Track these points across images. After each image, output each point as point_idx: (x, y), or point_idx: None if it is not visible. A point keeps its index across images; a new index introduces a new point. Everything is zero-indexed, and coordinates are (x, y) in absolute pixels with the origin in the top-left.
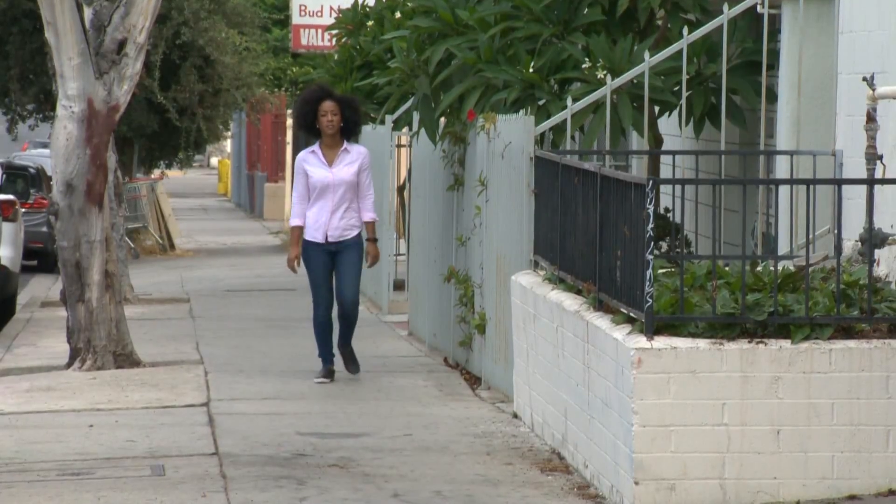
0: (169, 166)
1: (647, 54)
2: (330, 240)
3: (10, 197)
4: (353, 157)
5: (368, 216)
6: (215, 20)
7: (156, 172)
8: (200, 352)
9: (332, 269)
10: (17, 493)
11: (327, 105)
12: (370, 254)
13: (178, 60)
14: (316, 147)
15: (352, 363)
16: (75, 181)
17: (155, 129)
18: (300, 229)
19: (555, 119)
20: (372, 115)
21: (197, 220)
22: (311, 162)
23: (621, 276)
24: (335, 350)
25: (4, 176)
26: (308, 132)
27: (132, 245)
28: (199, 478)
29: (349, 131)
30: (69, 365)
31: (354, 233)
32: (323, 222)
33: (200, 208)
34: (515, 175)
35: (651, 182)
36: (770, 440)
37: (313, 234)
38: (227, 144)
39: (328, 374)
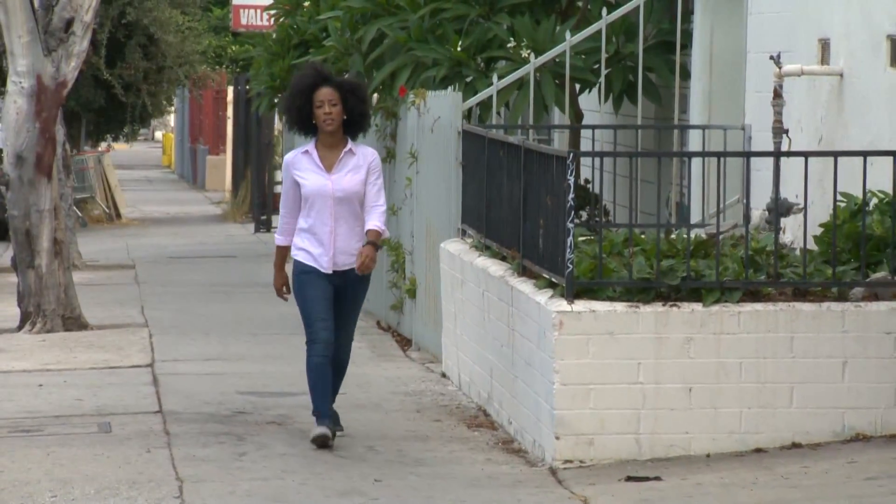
0: (115, 139)
1: (568, 34)
2: (337, 269)
3: None
4: (359, 162)
5: (374, 224)
6: (159, 0)
7: (102, 145)
8: (145, 315)
9: (334, 299)
10: None
11: (324, 93)
12: (364, 253)
13: (123, 39)
14: (311, 146)
15: (333, 420)
16: (25, 153)
17: (102, 104)
18: (286, 250)
19: (481, 95)
20: None
21: (142, 191)
22: (303, 166)
23: (544, 243)
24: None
25: None
26: (304, 130)
27: (80, 214)
28: (144, 434)
29: (355, 127)
30: (20, 328)
31: None
32: (325, 247)
33: (145, 179)
34: (444, 148)
35: (571, 155)
36: (682, 397)
37: (314, 262)
38: (171, 119)
39: (327, 435)
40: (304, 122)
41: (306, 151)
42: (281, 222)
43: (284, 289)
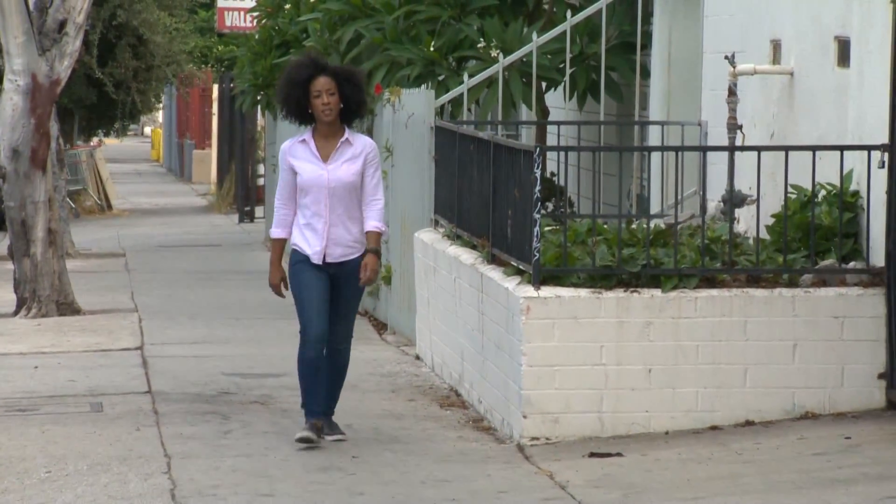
0: (107, 134)
1: (535, 35)
2: (329, 260)
3: None
4: (356, 151)
5: (373, 224)
6: (148, 3)
7: (94, 140)
8: (135, 301)
9: (330, 291)
10: None
11: (321, 82)
12: (368, 266)
13: (114, 39)
14: (307, 135)
15: (331, 426)
16: (21, 148)
17: (93, 101)
18: (283, 243)
19: (453, 93)
20: None
21: (132, 184)
22: (299, 155)
23: (512, 232)
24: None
25: None
26: (299, 120)
27: (73, 205)
28: (134, 413)
29: (351, 115)
30: (16, 313)
31: (362, 251)
32: (318, 238)
33: (135, 173)
34: (418, 143)
35: (538, 149)
36: (642, 378)
37: (307, 253)
38: (160, 115)
39: (313, 430)
40: (301, 112)
41: (303, 140)
42: (277, 214)
43: (283, 285)
